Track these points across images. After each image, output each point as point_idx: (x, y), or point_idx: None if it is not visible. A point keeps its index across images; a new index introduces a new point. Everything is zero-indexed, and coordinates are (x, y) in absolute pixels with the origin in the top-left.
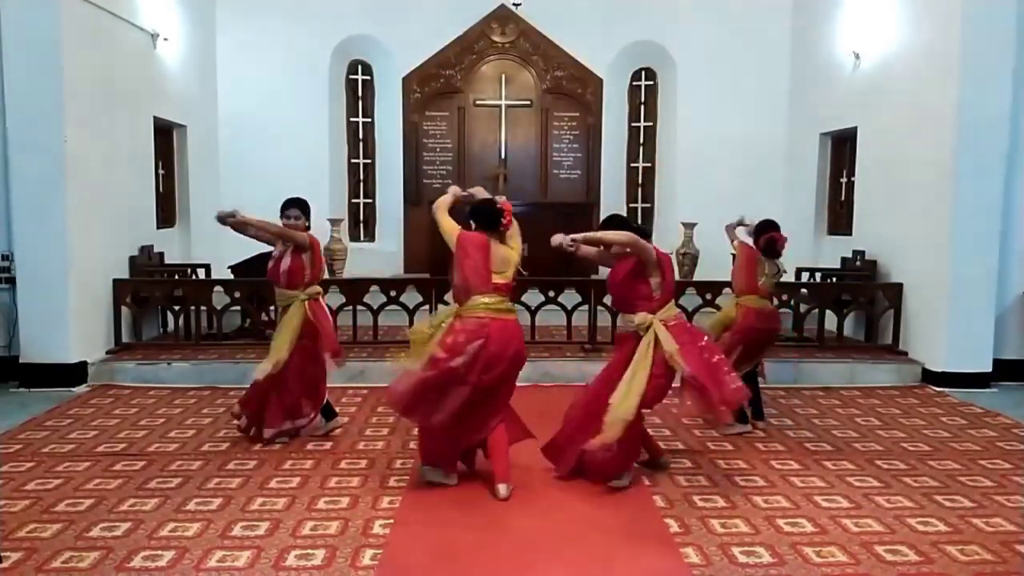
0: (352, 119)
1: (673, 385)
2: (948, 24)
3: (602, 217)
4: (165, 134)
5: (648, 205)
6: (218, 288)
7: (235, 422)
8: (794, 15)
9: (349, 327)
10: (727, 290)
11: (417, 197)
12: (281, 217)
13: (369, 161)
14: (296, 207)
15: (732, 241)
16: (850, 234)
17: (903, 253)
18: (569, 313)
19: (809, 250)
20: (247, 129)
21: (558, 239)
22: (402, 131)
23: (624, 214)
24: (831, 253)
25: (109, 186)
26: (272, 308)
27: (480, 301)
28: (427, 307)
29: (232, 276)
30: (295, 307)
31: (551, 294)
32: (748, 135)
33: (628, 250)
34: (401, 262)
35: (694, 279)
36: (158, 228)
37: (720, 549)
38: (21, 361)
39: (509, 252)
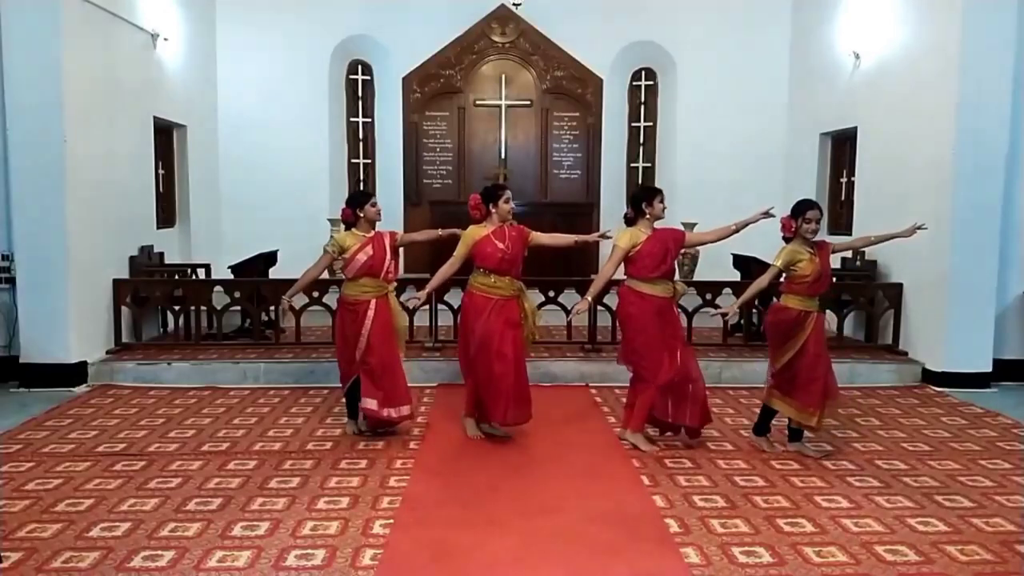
0: (352, 119)
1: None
2: (948, 24)
3: (603, 217)
4: (165, 134)
5: None
6: (218, 288)
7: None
8: (794, 15)
9: None
10: (727, 290)
11: (417, 197)
12: (367, 208)
13: (369, 161)
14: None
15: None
16: (850, 234)
17: (903, 253)
18: (569, 313)
19: None
20: (247, 129)
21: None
22: (402, 131)
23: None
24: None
25: (109, 186)
26: (272, 308)
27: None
28: (427, 307)
29: (232, 276)
30: (394, 298)
31: (551, 294)
32: (748, 135)
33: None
34: (401, 262)
35: (694, 279)
36: (158, 228)
37: (720, 549)
38: (21, 361)
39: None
